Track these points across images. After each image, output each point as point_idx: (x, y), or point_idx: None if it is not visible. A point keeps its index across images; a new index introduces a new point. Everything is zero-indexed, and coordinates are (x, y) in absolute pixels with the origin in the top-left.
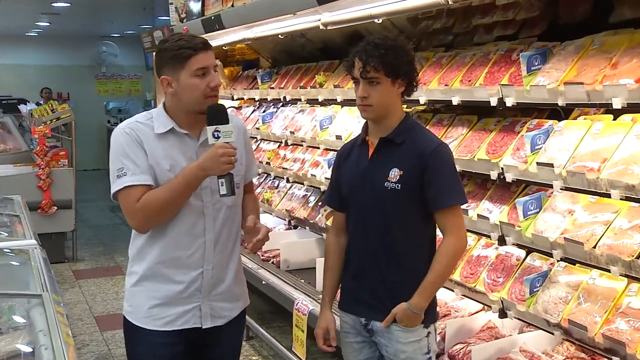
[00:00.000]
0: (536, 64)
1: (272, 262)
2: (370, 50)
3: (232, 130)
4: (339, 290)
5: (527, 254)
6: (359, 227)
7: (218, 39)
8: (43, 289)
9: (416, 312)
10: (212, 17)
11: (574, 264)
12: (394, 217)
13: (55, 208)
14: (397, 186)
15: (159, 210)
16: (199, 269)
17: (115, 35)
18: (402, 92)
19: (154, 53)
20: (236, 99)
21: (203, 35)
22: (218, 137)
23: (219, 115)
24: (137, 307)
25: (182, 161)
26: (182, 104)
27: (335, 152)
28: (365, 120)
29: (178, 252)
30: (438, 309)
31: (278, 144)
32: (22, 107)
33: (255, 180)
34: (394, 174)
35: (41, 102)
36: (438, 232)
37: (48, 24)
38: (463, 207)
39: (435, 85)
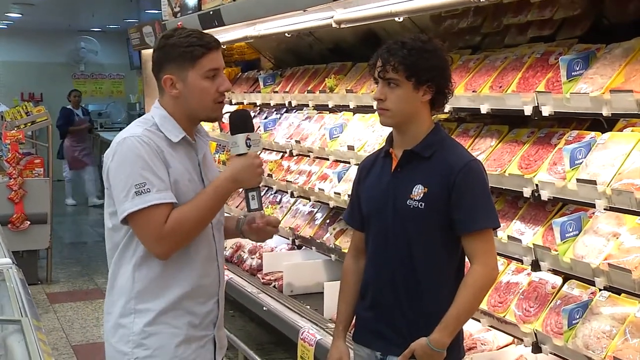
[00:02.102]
0: (577, 68)
1: (274, 286)
2: (393, 49)
3: (260, 138)
4: (354, 320)
5: (564, 282)
6: (376, 250)
7: (216, 36)
8: (22, 314)
9: (437, 349)
10: (211, 12)
11: (619, 294)
12: (416, 240)
13: (28, 223)
14: (421, 205)
15: (190, 233)
16: (214, 297)
17: (95, 29)
18: (429, 100)
19: (155, 48)
20: (235, 104)
21: None
22: (250, 146)
23: (246, 122)
24: (161, 348)
25: (195, 176)
26: (187, 109)
27: (346, 165)
28: (390, 130)
29: (203, 279)
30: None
31: (281, 154)
32: None
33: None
34: (418, 191)
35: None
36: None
37: (19, 15)
38: None
39: (461, 91)
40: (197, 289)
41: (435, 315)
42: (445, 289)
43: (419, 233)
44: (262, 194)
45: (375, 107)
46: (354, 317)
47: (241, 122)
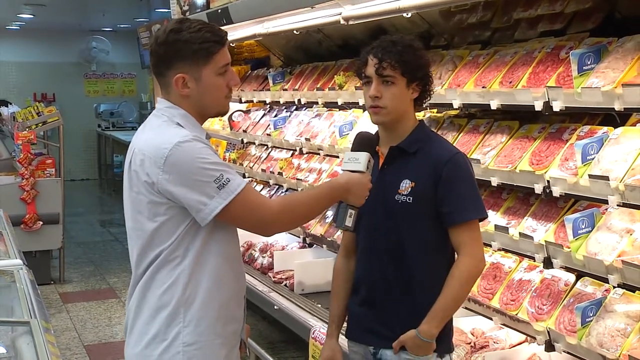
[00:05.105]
0: (589, 63)
1: (285, 285)
2: (387, 46)
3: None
4: (347, 318)
5: (577, 279)
6: (368, 247)
7: None
8: (31, 315)
9: (425, 340)
10: (219, 10)
11: (634, 291)
12: (406, 235)
13: (41, 223)
14: (409, 199)
15: (299, 218)
16: (244, 299)
17: (107, 29)
18: (415, 98)
19: (160, 42)
20: (244, 102)
21: None
22: (368, 168)
23: (372, 145)
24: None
25: None
26: (198, 107)
27: None
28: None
29: (241, 280)
30: (474, 339)
31: (291, 152)
32: (2, 110)
33: (265, 192)
34: (405, 185)
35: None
36: None
37: (31, 16)
38: (503, 224)
39: (471, 87)
40: (239, 291)
41: (428, 309)
42: (438, 283)
43: (409, 228)
44: (273, 192)
45: (367, 105)
46: (346, 315)
47: (368, 144)
